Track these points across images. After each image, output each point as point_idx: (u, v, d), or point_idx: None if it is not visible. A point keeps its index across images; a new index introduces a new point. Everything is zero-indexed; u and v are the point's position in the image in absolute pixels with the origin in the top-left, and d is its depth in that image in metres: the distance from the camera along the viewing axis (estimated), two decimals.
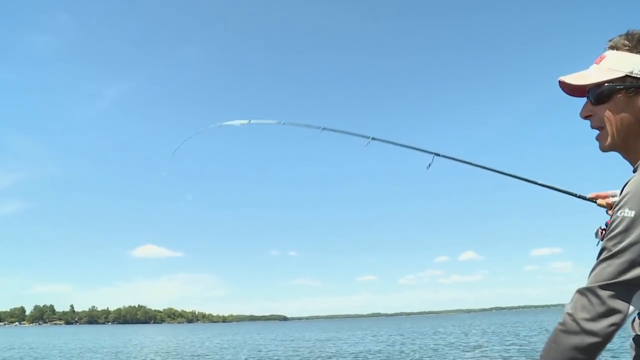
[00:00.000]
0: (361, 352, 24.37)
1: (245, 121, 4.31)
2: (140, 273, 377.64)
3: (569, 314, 1.27)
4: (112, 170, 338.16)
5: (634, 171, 1.44)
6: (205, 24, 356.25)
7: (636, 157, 1.44)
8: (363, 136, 3.19)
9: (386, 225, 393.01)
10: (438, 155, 2.72)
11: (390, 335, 42.60)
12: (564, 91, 1.59)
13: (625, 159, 1.50)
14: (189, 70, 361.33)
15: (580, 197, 2.10)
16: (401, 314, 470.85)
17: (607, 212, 1.90)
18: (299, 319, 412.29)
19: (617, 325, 1.24)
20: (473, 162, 2.66)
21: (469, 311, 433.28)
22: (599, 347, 1.25)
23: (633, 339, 1.43)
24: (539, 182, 2.33)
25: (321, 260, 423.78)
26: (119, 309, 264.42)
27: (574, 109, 1.60)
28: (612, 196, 1.91)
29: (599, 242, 1.69)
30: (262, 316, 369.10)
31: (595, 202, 1.98)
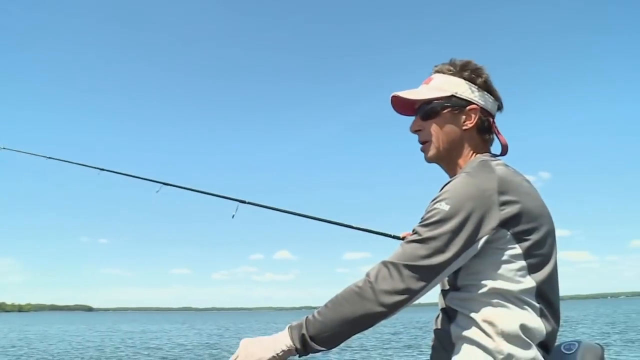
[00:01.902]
0: (184, 345, 24.46)
1: None
2: None
3: (369, 282, 1.38)
4: None
5: None
6: None
7: (455, 169, 1.63)
8: (153, 181, 3.02)
9: (202, 218, 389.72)
10: (243, 202, 2.69)
11: (210, 329, 42.76)
12: (394, 107, 1.75)
13: (445, 171, 1.69)
14: None
15: (394, 237, 2.22)
16: (213, 309, 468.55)
17: None
18: (106, 310, 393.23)
19: (405, 303, 1.37)
20: (280, 207, 2.68)
21: (279, 309, 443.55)
22: (382, 317, 1.38)
23: (434, 331, 1.59)
24: (354, 225, 2.40)
25: (134, 249, 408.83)
26: None
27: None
28: None
29: None
30: (65, 306, 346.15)
31: None
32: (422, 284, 1.36)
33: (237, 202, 2.65)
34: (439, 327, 1.56)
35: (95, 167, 3.35)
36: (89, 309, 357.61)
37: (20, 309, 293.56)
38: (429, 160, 1.69)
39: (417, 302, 1.43)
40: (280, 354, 1.41)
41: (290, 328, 1.43)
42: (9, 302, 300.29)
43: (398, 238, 2.21)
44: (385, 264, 1.39)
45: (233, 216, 2.63)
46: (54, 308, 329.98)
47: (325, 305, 1.43)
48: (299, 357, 1.45)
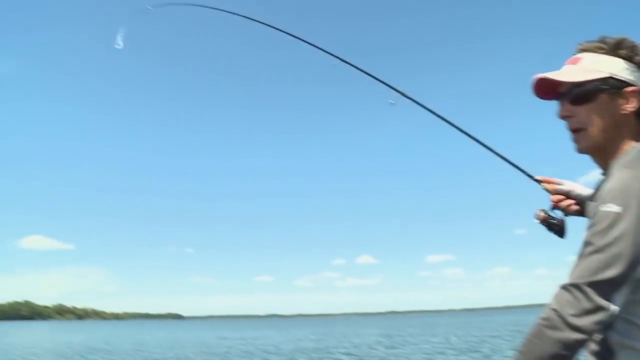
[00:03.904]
0: (291, 351, 24.58)
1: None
2: (27, 265, 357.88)
3: (554, 310, 1.27)
4: None
5: (603, 174, 1.51)
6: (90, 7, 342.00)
7: (611, 159, 1.47)
8: (331, 54, 2.91)
9: (284, 224, 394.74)
10: (405, 95, 2.58)
11: (305, 334, 42.86)
12: (535, 91, 1.61)
13: (596, 161, 1.55)
14: (81, 54, 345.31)
15: (529, 175, 2.10)
16: (298, 315, 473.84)
17: (550, 197, 1.97)
18: (195, 317, 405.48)
19: (603, 322, 1.24)
20: (439, 113, 2.47)
21: (364, 314, 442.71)
22: (583, 343, 1.26)
23: None
24: (496, 150, 2.26)
25: (218, 258, 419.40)
26: (1, 305, 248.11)
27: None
28: (559, 184, 1.96)
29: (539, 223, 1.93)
30: (157, 314, 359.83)
31: (541, 183, 2.02)
32: (610, 296, 1.26)
33: (399, 94, 2.56)
34: None
35: (329, 53, 2.97)
36: (179, 317, 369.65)
37: (116, 317, 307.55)
38: (583, 150, 1.54)
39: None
40: None
41: None
42: (107, 310, 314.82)
43: (532, 177, 2.07)
44: (565, 287, 1.30)
45: (392, 104, 2.57)
46: (146, 316, 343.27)
47: (519, 352, 1.35)
48: None
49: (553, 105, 1.64)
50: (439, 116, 2.45)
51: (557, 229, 1.90)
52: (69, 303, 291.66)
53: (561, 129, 1.60)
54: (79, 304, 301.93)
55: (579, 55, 1.54)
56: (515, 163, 2.16)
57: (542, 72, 1.56)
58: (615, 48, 1.49)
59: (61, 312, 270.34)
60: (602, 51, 1.50)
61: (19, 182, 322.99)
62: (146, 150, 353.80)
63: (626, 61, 1.47)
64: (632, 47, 1.48)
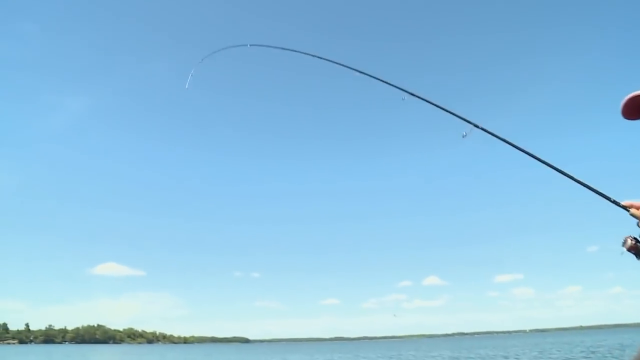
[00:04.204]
0: None
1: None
2: (100, 291, 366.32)
3: None
4: (74, 181, 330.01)
5: None
6: (173, 39, 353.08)
7: None
8: (400, 88, 3.09)
9: (350, 248, 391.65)
10: (477, 126, 2.63)
11: (374, 357, 42.69)
12: (625, 111, 1.53)
13: None
14: (156, 85, 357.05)
15: (614, 202, 2.01)
16: (364, 338, 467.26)
17: (638, 224, 1.87)
18: (261, 341, 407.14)
19: None
20: (513, 142, 2.50)
21: (431, 336, 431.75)
22: None
23: None
24: (576, 177, 2.19)
25: (284, 282, 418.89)
26: (77, 328, 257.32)
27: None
28: None
29: (623, 252, 1.83)
30: (224, 338, 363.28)
31: (628, 210, 1.91)
32: None
33: (472, 125, 2.70)
34: None
35: (399, 88, 3.34)
36: (246, 341, 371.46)
37: (185, 340, 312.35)
38: None
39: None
40: None
41: None
42: (175, 334, 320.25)
43: (617, 204, 1.96)
44: None
45: (464, 135, 2.69)
46: (214, 340, 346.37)
47: None
48: None
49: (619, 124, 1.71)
50: (514, 146, 2.51)
51: None
52: (139, 327, 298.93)
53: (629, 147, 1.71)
54: (149, 328, 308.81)
55: None
56: (598, 189, 2.11)
57: (624, 94, 1.52)
58: None
59: (132, 336, 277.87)
60: None
61: (94, 212, 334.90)
62: (211, 178, 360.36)
63: None
64: None
